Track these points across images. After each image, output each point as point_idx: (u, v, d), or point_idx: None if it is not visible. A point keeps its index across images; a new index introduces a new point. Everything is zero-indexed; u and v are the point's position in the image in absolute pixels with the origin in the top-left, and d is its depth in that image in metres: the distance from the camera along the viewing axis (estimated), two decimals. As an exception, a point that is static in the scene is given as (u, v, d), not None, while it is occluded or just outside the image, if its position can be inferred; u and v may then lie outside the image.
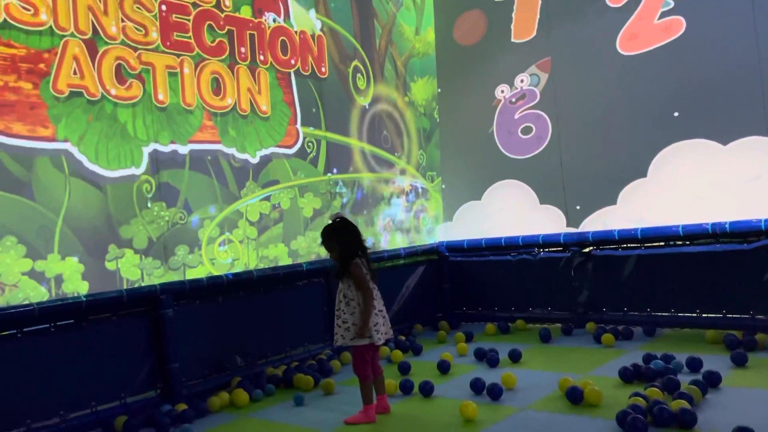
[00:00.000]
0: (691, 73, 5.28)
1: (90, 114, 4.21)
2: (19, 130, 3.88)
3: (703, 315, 5.16)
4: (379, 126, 6.46)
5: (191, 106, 4.79)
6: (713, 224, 4.99)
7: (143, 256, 4.43)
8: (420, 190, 6.92)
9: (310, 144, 5.70)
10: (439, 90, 7.09)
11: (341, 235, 3.80)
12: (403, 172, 6.72)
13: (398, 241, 6.57)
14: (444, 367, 4.64)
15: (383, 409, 3.79)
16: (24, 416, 3.71)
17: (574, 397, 3.62)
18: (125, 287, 4.29)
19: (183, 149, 4.72)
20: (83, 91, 4.18)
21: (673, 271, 5.28)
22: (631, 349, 4.86)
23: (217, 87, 4.98)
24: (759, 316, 4.87)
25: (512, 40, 6.42)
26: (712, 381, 3.68)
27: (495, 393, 3.86)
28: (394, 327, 6.02)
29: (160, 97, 4.60)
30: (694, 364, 4.06)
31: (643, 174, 5.53)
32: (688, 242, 5.23)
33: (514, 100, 6.40)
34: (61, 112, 4.07)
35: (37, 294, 3.86)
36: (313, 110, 5.78)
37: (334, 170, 5.89)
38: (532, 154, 6.27)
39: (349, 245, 3.78)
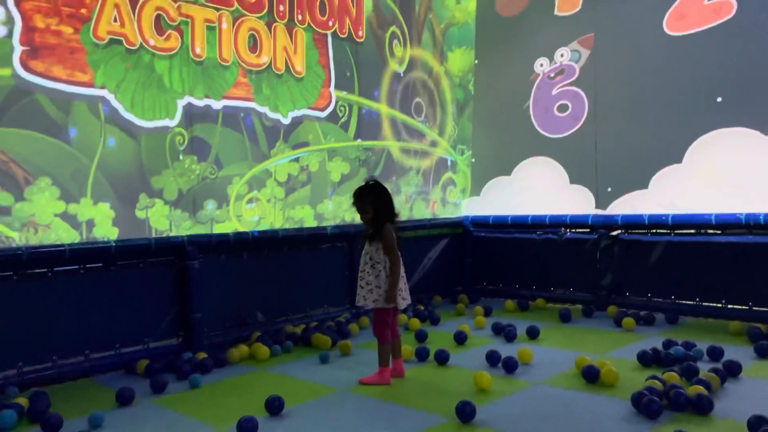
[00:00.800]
0: (738, 59, 5.12)
1: (128, 62, 4.25)
2: (59, 74, 3.94)
3: (729, 306, 5.08)
4: (412, 95, 6.41)
5: (227, 62, 4.80)
6: (747, 215, 4.88)
7: (172, 208, 4.50)
8: (449, 162, 6.88)
9: (342, 108, 5.69)
10: (477, 61, 6.99)
11: (376, 196, 3.79)
12: (433, 143, 6.67)
13: (423, 213, 6.56)
14: (461, 338, 4.66)
15: (398, 372, 3.84)
16: (51, 352, 3.84)
17: (591, 375, 3.61)
18: (154, 236, 4.37)
19: (216, 104, 4.75)
20: (123, 39, 4.22)
21: (702, 260, 5.20)
22: (651, 334, 4.82)
23: (254, 44, 4.98)
24: (786, 311, 4.78)
25: (555, 13, 6.28)
26: (732, 370, 3.64)
27: (510, 366, 3.87)
28: (413, 296, 6.07)
29: (198, 50, 4.61)
30: (715, 353, 4.02)
31: (678, 160, 5.41)
32: (719, 231, 5.13)
33: (552, 75, 6.28)
34: (100, 59, 4.12)
35: (68, 236, 3.96)
36: (348, 74, 5.75)
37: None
38: (567, 132, 6.17)
39: (383, 208, 3.77)
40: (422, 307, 5.85)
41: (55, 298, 3.88)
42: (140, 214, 4.34)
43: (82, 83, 4.04)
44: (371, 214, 3.78)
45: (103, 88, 4.14)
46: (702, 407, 3.03)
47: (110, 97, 4.18)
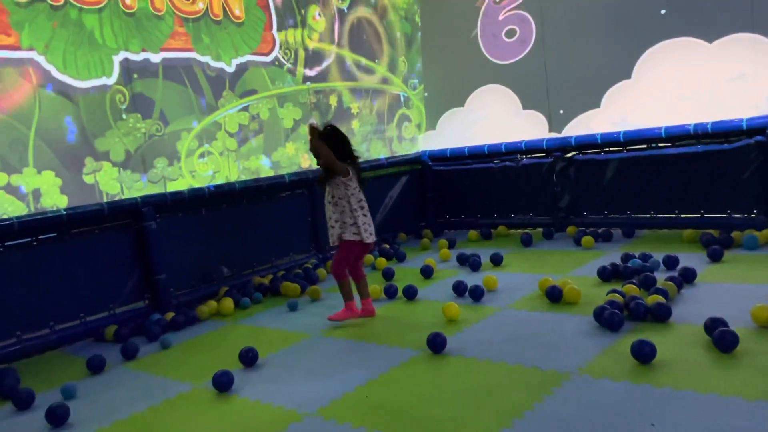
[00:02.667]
0: (680, -32, 5.10)
1: (54, 20, 4.01)
2: (-20, 39, 3.69)
3: (682, 216, 5.25)
4: (358, 31, 6.25)
5: (161, 12, 4.57)
6: (695, 125, 4.98)
7: (121, 169, 4.36)
8: (402, 98, 6.79)
9: (287, 52, 5.52)
10: (421, -8, 6.82)
11: (329, 141, 3.73)
12: (384, 80, 6.56)
13: (380, 151, 6.52)
14: (427, 272, 4.73)
15: (368, 312, 3.88)
16: (14, 328, 3.76)
17: (554, 295, 3.72)
18: (106, 200, 4.25)
19: (155, 57, 4.55)
20: (44, -5, 3.96)
21: (654, 174, 5.32)
22: (610, 250, 4.97)
23: (187, -10, 4.74)
24: (736, 215, 4.96)
25: (496, -64, 6.12)
26: (687, 277, 3.79)
27: (477, 294, 3.95)
28: (378, 236, 6.12)
29: (128, 1, 4.37)
30: (671, 262, 4.17)
31: (627, 75, 5.45)
32: (669, 144, 5.24)
33: (497, 0, 6.18)
34: (23, 18, 3.87)
35: (15, 208, 3.81)
36: (289, 18, 5.54)
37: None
38: (517, 58, 6.14)
39: (337, 152, 3.71)
40: (387, 246, 5.90)
41: (11, 273, 3.77)
42: (88, 179, 4.19)
43: (8, 46, 3.81)
44: (323, 165, 3.74)
45: (31, 49, 3.91)
46: (661, 315, 3.16)
47: (40, 59, 3.96)
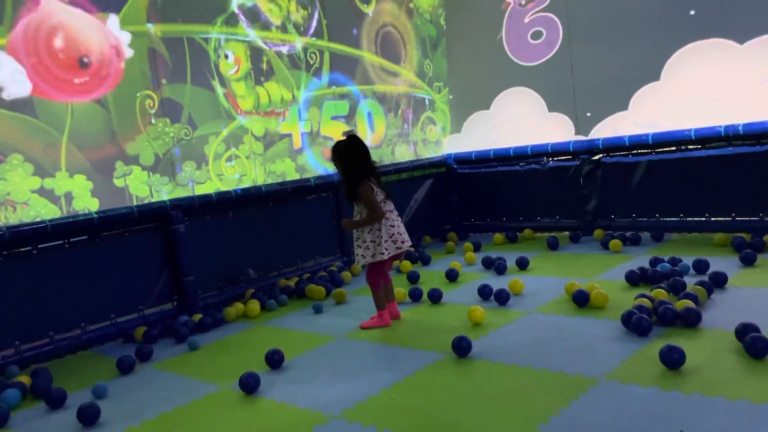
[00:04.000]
0: (710, -32, 5.02)
1: (86, 27, 4.09)
2: (15, 46, 3.79)
3: (712, 219, 5.16)
4: (383, 35, 6.27)
5: (189, 18, 4.64)
6: (726, 127, 4.89)
7: (151, 173, 4.44)
8: (427, 101, 6.79)
9: (313, 55, 5.56)
10: (446, -5, 6.82)
11: (346, 157, 3.73)
12: (409, 83, 6.57)
13: (405, 155, 6.52)
14: (452, 276, 4.72)
15: (394, 315, 3.89)
16: (47, 328, 3.85)
17: (581, 300, 3.68)
18: (135, 204, 4.32)
19: (183, 63, 4.62)
20: (77, 3, 4.05)
21: (684, 176, 5.24)
22: (638, 254, 4.90)
23: (215, -4, 4.81)
24: (768, 219, 4.86)
25: (522, -63, 6.10)
26: (717, 281, 3.72)
27: (502, 298, 3.93)
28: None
29: (157, 8, 4.45)
30: (701, 266, 4.10)
31: (656, 77, 5.38)
32: (699, 146, 5.15)
33: (523, 2, 6.15)
34: (56, 26, 3.96)
35: (48, 211, 3.90)
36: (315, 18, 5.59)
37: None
38: (542, 60, 6.09)
39: (354, 167, 3.72)
40: (412, 249, 5.90)
41: (44, 275, 3.86)
42: (118, 182, 4.27)
43: (41, 53, 3.90)
44: (342, 174, 3.77)
45: (63, 56, 4.00)
46: (690, 320, 3.11)
47: (72, 65, 4.04)
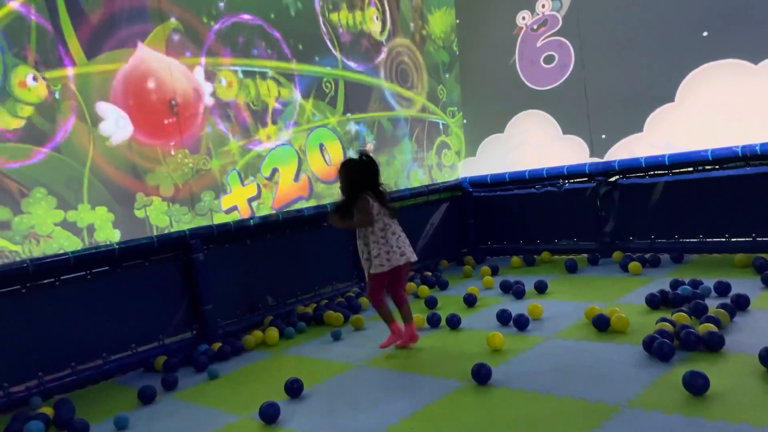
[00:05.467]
0: (721, -11, 5.04)
1: (107, 63, 4.21)
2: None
3: (732, 239, 5.11)
4: (396, 62, 6.34)
5: (207, 50, 4.75)
6: (744, 147, 4.87)
7: (170, 203, 4.50)
8: (441, 126, 6.84)
9: (327, 84, 5.64)
10: (458, 21, 6.90)
11: (348, 173, 3.81)
12: (423, 108, 6.63)
13: (420, 179, 6.55)
14: (470, 300, 4.70)
15: (412, 338, 3.88)
16: (69, 359, 3.89)
17: (601, 324, 3.65)
18: (155, 234, 4.38)
19: (202, 95, 4.71)
20: (98, 39, 4.17)
21: (702, 197, 5.20)
22: (658, 276, 4.86)
23: (232, 29, 4.92)
24: (790, 239, 4.80)
25: (532, -36, 6.17)
26: (740, 304, 3.67)
27: (521, 323, 3.91)
28: (419, 263, 6.11)
29: (175, 42, 4.57)
30: (723, 288, 4.05)
31: (670, 99, 5.38)
32: (717, 167, 5.12)
33: (535, 26, 6.20)
34: (78, 63, 4.07)
35: (71, 244, 3.97)
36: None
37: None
38: (556, 83, 6.12)
39: (355, 182, 3.78)
40: (429, 273, 5.90)
41: (66, 306, 3.92)
42: (139, 213, 4.34)
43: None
44: (341, 188, 3.85)
45: (85, 91, 4.10)
46: (713, 344, 3.07)
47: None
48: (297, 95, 5.35)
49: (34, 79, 3.84)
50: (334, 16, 5.72)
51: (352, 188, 3.78)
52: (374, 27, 6.10)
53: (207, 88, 4.70)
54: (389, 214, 3.82)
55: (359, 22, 5.96)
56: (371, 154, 3.93)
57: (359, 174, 3.79)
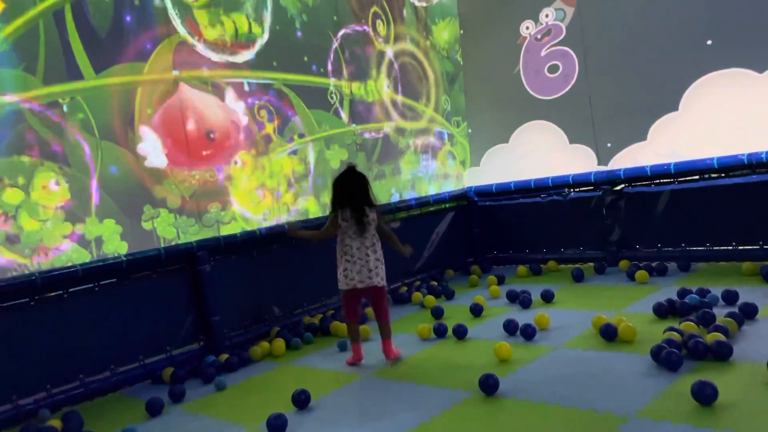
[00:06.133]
0: (723, -2, 5.06)
1: (115, 77, 4.25)
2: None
3: (740, 247, 5.09)
4: (401, 73, 6.38)
5: (213, 63, 4.79)
6: (749, 155, 4.86)
7: (177, 215, 4.53)
8: (446, 136, 6.86)
9: (333, 95, 5.67)
10: (462, 31, 6.94)
11: (333, 187, 3.98)
12: (428, 119, 6.65)
13: (426, 189, 6.57)
14: (477, 310, 4.70)
15: (387, 353, 3.90)
16: (77, 371, 3.90)
17: (608, 334, 3.64)
18: (162, 245, 4.40)
19: (208, 107, 4.75)
20: (106, 54, 4.21)
21: (708, 205, 5.20)
22: (665, 284, 4.85)
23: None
24: (797, 247, 4.78)
25: (535, -26, 6.21)
26: (748, 313, 3.66)
27: (528, 333, 3.91)
28: (425, 273, 6.14)
29: (182, 55, 4.61)
30: (730, 297, 4.04)
31: (674, 108, 5.38)
32: (723, 174, 5.12)
33: (539, 36, 6.23)
34: (86, 77, 4.12)
35: (79, 256, 3.99)
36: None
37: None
38: (560, 93, 6.14)
39: (334, 197, 3.94)
40: (435, 283, 5.89)
41: (75, 318, 3.93)
42: (146, 225, 4.36)
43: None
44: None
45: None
46: (721, 354, 3.06)
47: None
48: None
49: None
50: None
51: (332, 203, 3.96)
52: (379, 39, 6.13)
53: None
54: (358, 231, 3.85)
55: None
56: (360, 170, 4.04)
57: (339, 189, 3.93)
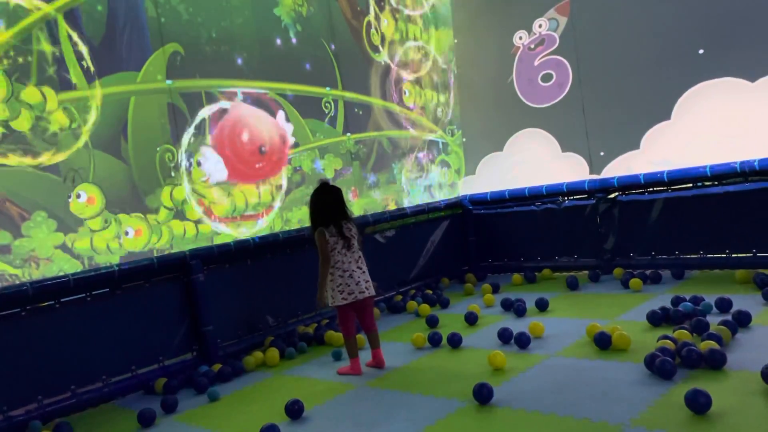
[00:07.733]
0: (717, 7, 5.09)
1: (108, 86, 4.24)
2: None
3: (733, 255, 5.10)
4: (396, 82, 6.39)
5: (207, 72, 4.80)
6: (742, 163, 4.89)
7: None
8: (441, 145, 6.87)
9: (327, 105, 5.68)
10: (456, 41, 6.96)
11: (311, 204, 3.95)
12: (422, 128, 6.66)
13: (421, 197, 6.57)
14: (471, 319, 4.69)
15: (377, 362, 3.91)
16: (68, 382, 3.87)
17: (603, 342, 3.64)
18: (155, 255, 4.38)
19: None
20: (99, 63, 4.21)
21: (701, 213, 5.21)
22: (659, 292, 4.85)
23: (232, 51, 4.96)
24: (790, 254, 4.80)
25: (529, -17, 6.26)
26: (741, 321, 3.66)
27: (523, 342, 3.90)
28: (420, 281, 6.13)
29: (176, 64, 4.60)
30: (724, 305, 4.04)
31: (667, 116, 5.41)
32: (716, 183, 5.13)
33: (532, 46, 6.26)
34: (79, 86, 4.11)
35: (71, 266, 3.97)
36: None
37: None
38: (554, 101, 6.17)
39: (314, 214, 3.92)
40: (430, 292, 5.88)
41: (66, 328, 3.90)
42: (139, 234, 4.34)
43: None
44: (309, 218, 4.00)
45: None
46: (715, 362, 3.06)
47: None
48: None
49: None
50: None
51: (312, 220, 3.94)
52: (372, 48, 6.15)
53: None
54: (345, 244, 3.86)
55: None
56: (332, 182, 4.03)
57: (317, 205, 3.91)
